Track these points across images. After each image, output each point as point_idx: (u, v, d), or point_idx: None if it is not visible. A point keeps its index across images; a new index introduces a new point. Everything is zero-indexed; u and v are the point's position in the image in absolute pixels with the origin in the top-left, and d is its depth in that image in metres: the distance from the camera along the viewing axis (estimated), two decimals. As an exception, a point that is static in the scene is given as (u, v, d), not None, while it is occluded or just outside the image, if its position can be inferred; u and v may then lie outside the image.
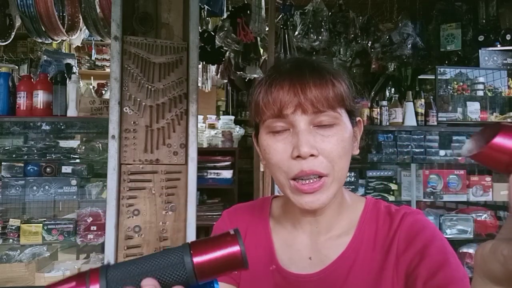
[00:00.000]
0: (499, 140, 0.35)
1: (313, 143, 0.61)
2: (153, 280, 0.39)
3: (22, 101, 2.23)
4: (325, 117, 0.63)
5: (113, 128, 1.99)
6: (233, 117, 4.23)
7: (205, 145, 3.73)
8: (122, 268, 0.40)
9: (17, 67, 3.78)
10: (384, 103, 2.75)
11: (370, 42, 3.29)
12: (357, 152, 0.70)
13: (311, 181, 0.62)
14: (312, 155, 0.61)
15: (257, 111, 0.67)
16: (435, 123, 2.73)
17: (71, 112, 2.26)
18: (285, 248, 0.73)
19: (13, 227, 2.19)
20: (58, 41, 2.95)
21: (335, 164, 0.63)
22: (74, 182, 2.27)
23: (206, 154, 3.33)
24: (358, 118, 0.70)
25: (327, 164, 0.62)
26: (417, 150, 2.71)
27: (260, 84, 0.67)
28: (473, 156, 0.36)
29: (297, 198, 0.64)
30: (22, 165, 2.28)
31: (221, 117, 4.35)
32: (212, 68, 3.82)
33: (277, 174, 0.65)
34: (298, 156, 0.61)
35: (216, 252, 0.41)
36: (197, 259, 0.41)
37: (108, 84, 2.43)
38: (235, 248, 0.41)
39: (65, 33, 2.61)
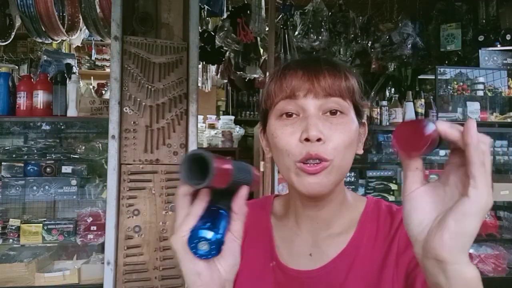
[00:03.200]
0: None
1: (321, 128, 0.63)
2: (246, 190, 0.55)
3: (22, 101, 2.22)
4: (334, 103, 0.65)
5: (113, 128, 1.99)
6: (233, 117, 4.23)
7: (205, 145, 3.74)
8: (238, 165, 0.54)
9: (17, 67, 3.78)
10: (384, 103, 2.75)
11: (370, 42, 3.29)
12: (361, 151, 0.71)
13: (314, 163, 0.63)
14: (319, 140, 0.62)
15: (268, 96, 0.69)
16: (435, 123, 2.73)
17: (71, 112, 2.26)
18: (285, 244, 0.73)
19: (13, 227, 2.19)
20: (58, 41, 2.96)
21: (339, 153, 0.64)
22: (74, 182, 2.27)
23: (206, 154, 3.32)
24: (363, 120, 0.72)
25: (331, 151, 0.63)
26: (417, 150, 2.70)
27: (274, 73, 0.70)
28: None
29: (300, 180, 0.64)
30: (22, 165, 2.28)
31: (221, 117, 4.35)
32: (212, 68, 3.82)
33: (283, 159, 0.66)
34: (306, 139, 0.62)
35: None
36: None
37: (108, 84, 2.43)
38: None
39: (65, 33, 2.61)
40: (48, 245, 2.30)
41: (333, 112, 0.65)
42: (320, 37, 3.10)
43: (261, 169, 2.65)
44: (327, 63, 0.67)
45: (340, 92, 0.65)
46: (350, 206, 0.73)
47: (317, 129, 0.62)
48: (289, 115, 0.66)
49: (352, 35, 3.21)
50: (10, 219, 2.22)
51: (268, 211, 0.78)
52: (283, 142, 0.65)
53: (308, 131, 0.62)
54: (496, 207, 2.82)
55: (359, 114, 0.69)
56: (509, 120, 2.83)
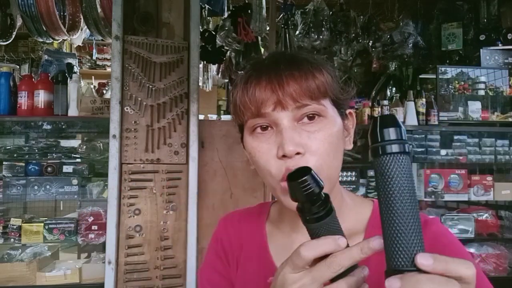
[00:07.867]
0: None
1: (298, 141, 0.57)
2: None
3: (23, 100, 2.23)
4: (308, 110, 0.58)
5: (114, 128, 1.99)
6: (234, 117, 4.22)
7: (206, 145, 3.73)
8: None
9: (18, 66, 3.79)
10: (385, 102, 2.75)
11: (371, 41, 3.28)
12: (350, 147, 0.66)
13: None
14: (298, 153, 0.57)
15: (236, 112, 0.63)
16: (436, 123, 2.73)
17: (72, 111, 2.26)
18: (283, 254, 0.69)
19: (15, 227, 2.20)
20: (59, 41, 2.96)
21: (323, 162, 0.58)
22: (75, 181, 2.28)
23: (207, 154, 3.33)
24: (348, 111, 0.66)
25: (315, 162, 0.58)
26: (418, 149, 2.70)
27: (238, 82, 0.63)
28: None
29: (286, 199, 0.59)
30: (23, 164, 2.28)
31: (222, 116, 4.35)
32: (213, 67, 3.82)
33: (267, 178, 0.61)
34: (284, 156, 0.57)
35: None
36: None
37: (109, 83, 2.43)
38: None
39: (66, 32, 2.62)
40: (49, 244, 2.30)
41: (310, 117, 0.59)
42: (321, 37, 3.10)
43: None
44: (291, 64, 0.60)
45: (311, 96, 0.58)
46: (350, 210, 0.68)
47: (293, 142, 0.56)
48: (263, 128, 0.60)
49: (353, 35, 3.20)
50: (12, 219, 2.23)
51: (263, 219, 0.75)
52: (262, 161, 0.60)
53: (284, 147, 0.56)
54: (498, 206, 2.81)
55: (340, 107, 0.63)
56: (510, 119, 2.82)
